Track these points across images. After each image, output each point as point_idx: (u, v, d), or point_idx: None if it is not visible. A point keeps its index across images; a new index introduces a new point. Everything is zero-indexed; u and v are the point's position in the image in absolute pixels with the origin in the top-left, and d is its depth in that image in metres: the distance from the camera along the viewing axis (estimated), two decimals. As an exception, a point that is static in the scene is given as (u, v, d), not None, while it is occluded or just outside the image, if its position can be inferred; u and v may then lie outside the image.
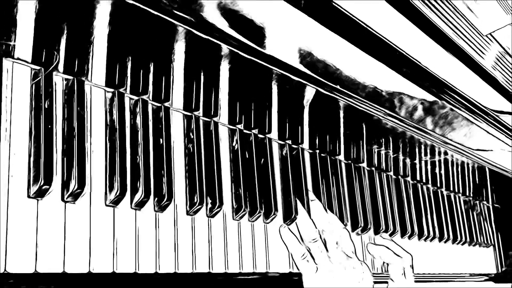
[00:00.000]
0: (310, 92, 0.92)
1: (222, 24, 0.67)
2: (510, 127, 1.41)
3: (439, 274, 1.60)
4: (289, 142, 1.20)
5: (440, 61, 1.00)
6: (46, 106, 0.77)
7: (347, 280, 1.05)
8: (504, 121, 1.37)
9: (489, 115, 1.29)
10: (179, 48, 0.81)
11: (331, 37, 0.77)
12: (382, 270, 1.32)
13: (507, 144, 1.45)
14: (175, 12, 0.64)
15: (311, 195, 1.18)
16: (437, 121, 1.13)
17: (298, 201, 1.14)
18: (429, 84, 1.04)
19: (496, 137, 1.39)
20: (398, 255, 1.23)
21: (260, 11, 0.74)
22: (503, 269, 1.99)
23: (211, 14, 0.68)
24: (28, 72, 0.78)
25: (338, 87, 0.82)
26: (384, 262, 1.27)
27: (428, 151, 1.43)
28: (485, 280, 1.90)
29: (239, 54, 0.75)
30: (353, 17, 0.78)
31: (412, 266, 1.22)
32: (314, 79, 0.80)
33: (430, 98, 1.07)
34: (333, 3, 0.73)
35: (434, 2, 0.92)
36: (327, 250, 1.08)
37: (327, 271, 1.05)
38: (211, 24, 0.66)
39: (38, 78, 0.78)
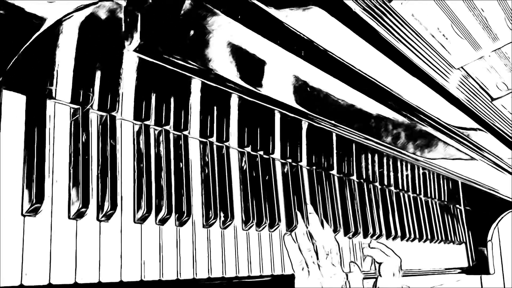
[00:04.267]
0: (306, 124, 0.92)
1: (228, 74, 0.67)
2: (473, 142, 1.39)
3: (420, 269, 1.59)
4: (290, 160, 1.20)
5: (419, 94, 1.00)
6: (84, 140, 0.78)
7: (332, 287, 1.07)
8: (467, 136, 1.35)
9: (453, 131, 1.28)
10: (195, 89, 0.81)
11: (332, 81, 0.77)
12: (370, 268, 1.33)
13: (468, 155, 1.43)
14: (185, 65, 0.64)
15: (310, 208, 1.18)
16: (415, 143, 1.13)
17: (298, 213, 1.14)
18: (408, 112, 1.04)
19: (459, 150, 1.38)
20: (389, 256, 1.24)
21: (264, 55, 0.74)
22: (474, 263, 1.98)
23: (218, 65, 0.67)
24: (67, 110, 0.78)
25: (333, 122, 0.81)
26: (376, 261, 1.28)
27: (408, 166, 1.43)
28: (459, 272, 1.89)
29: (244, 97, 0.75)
30: (346, 63, 0.78)
31: (400, 267, 1.24)
32: (310, 115, 0.80)
33: (408, 122, 1.07)
34: (328, 52, 0.73)
35: (414, 44, 0.92)
36: (318, 259, 1.09)
37: (316, 278, 1.06)
38: (220, 75, 0.65)
39: (77, 116, 0.78)
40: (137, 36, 0.51)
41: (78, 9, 0.53)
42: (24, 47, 0.56)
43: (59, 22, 0.58)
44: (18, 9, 0.49)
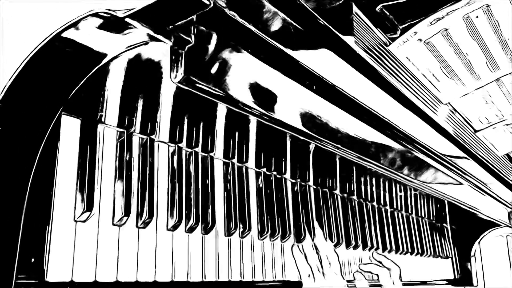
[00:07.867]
0: (313, 147, 0.94)
1: (246, 99, 0.69)
2: (459, 167, 1.39)
3: (411, 280, 1.58)
4: (299, 180, 1.21)
5: (412, 125, 1.01)
6: (127, 159, 0.80)
7: None
8: (454, 163, 1.35)
9: (441, 158, 1.28)
10: (220, 115, 0.83)
11: (338, 112, 0.79)
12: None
13: (455, 179, 1.43)
14: (211, 91, 0.66)
15: (316, 223, 1.19)
16: (409, 167, 1.14)
17: (306, 227, 1.15)
18: (403, 141, 1.05)
19: (447, 174, 1.38)
20: (388, 268, 1.22)
21: (281, 87, 0.76)
22: (459, 275, 1.96)
23: (243, 94, 0.70)
24: (114, 133, 0.81)
25: (338, 145, 0.83)
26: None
27: (402, 188, 1.43)
28: (445, 284, 1.87)
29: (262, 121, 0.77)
30: (350, 96, 0.80)
31: (400, 275, 1.22)
32: (318, 138, 0.82)
33: (403, 149, 1.08)
34: (336, 87, 0.75)
35: (408, 82, 0.94)
36: (322, 268, 1.09)
37: (320, 284, 1.06)
38: (243, 103, 0.67)
39: (122, 138, 0.81)
40: (181, 71, 0.54)
41: (132, 47, 0.56)
42: (84, 80, 0.59)
43: (113, 58, 0.61)
44: (86, 48, 0.52)
